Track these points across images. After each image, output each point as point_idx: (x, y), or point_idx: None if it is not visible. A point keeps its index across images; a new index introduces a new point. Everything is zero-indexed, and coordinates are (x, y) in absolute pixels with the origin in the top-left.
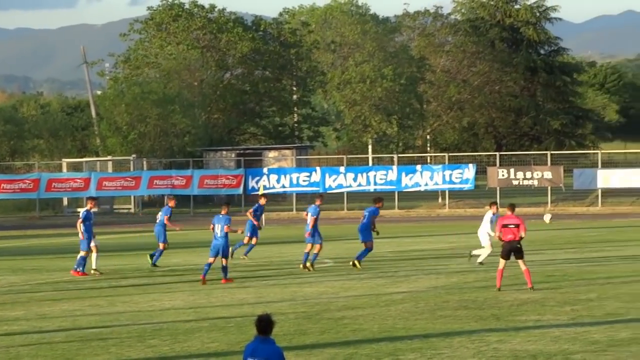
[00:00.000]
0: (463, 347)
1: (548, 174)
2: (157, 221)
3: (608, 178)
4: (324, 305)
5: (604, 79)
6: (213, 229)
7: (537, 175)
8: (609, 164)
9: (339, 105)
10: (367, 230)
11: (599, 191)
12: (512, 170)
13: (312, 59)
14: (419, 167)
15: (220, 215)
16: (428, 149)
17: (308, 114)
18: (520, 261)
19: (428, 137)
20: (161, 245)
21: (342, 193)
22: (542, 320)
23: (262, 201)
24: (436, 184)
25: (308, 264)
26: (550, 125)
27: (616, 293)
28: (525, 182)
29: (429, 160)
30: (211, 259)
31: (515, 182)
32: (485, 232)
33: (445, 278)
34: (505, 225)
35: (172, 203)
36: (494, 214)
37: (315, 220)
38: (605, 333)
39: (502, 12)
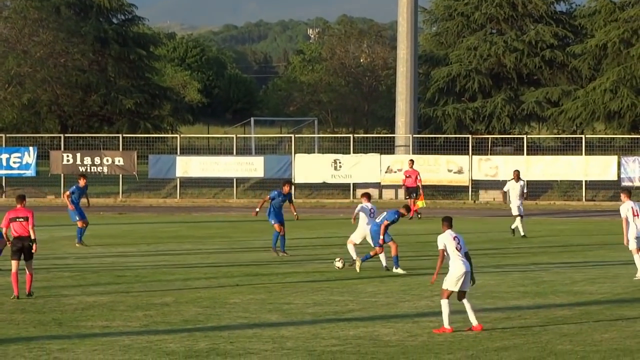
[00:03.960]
0: (20, 355)
1: (120, 160)
2: None
3: (188, 166)
4: None
5: (185, 54)
6: None
7: (108, 161)
8: (190, 150)
9: None
10: None
11: (178, 180)
12: (78, 155)
13: None
14: None
15: None
16: None
17: None
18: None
19: None
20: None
21: None
22: (110, 327)
23: None
24: None
25: None
26: (123, 105)
27: (195, 297)
28: (94, 169)
29: None
30: None
31: (82, 169)
32: None
33: (0, 277)
34: (13, 219)
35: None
36: None
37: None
38: (182, 342)
39: None
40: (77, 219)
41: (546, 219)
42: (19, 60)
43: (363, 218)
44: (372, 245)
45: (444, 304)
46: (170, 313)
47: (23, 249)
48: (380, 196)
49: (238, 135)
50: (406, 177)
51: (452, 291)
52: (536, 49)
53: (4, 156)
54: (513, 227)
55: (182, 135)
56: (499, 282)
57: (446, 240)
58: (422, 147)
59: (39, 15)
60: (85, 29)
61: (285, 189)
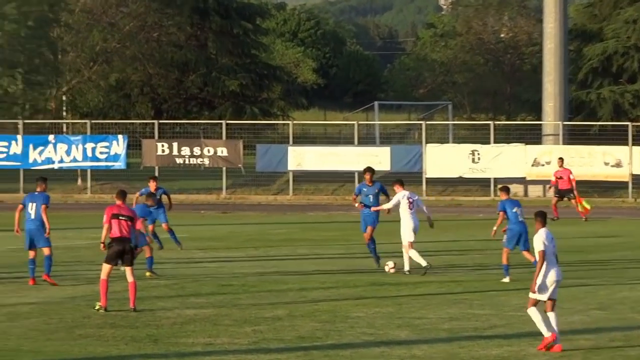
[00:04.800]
0: None
1: (223, 151)
2: None
3: (302, 157)
4: None
5: (297, 27)
6: None
7: (209, 151)
8: (304, 139)
9: None
10: None
11: (290, 174)
12: (175, 145)
13: None
14: (52, 137)
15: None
16: (64, 114)
17: None
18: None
19: (64, 98)
20: None
21: None
22: (214, 345)
23: None
24: (75, 160)
25: None
26: (226, 86)
27: (312, 310)
28: (193, 161)
29: (65, 129)
30: None
31: (179, 160)
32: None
33: (86, 286)
34: (115, 216)
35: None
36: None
37: None
38: None
39: None
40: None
41: None
42: (105, 35)
43: (404, 209)
44: None
45: (533, 313)
46: (283, 328)
47: (124, 252)
48: (526, 193)
49: (360, 122)
50: (557, 178)
51: (539, 300)
52: None
53: (89, 146)
54: None
55: (294, 122)
56: None
57: (546, 240)
58: (574, 136)
59: None
60: None
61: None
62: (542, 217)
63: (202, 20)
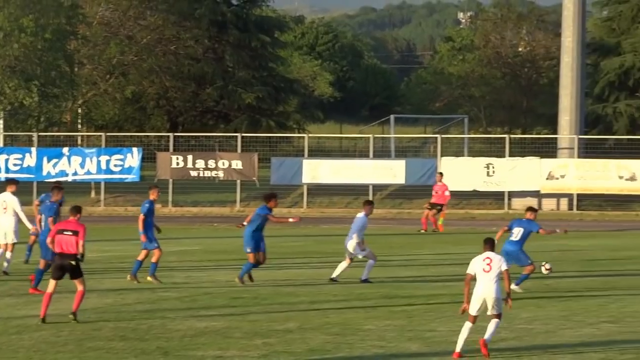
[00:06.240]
0: None
1: (238, 163)
2: None
3: (317, 170)
4: None
5: (315, 40)
6: None
7: (224, 164)
8: (319, 152)
9: None
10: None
11: (305, 187)
12: (190, 157)
13: None
14: (66, 150)
15: None
16: (79, 126)
17: None
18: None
19: (80, 110)
20: None
21: None
22: (224, 357)
23: None
24: (89, 172)
25: None
26: (242, 99)
27: (322, 323)
28: (208, 174)
29: (79, 142)
30: None
31: (194, 173)
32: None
33: (97, 298)
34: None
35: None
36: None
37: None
38: None
39: None
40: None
41: None
42: (123, 47)
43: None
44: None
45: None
46: (293, 341)
47: (64, 268)
48: (540, 206)
49: (375, 136)
50: (435, 192)
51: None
52: None
53: (104, 158)
54: None
55: (310, 135)
56: None
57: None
58: (589, 149)
59: None
60: (200, 11)
61: (272, 203)
62: (489, 244)
63: (219, 33)
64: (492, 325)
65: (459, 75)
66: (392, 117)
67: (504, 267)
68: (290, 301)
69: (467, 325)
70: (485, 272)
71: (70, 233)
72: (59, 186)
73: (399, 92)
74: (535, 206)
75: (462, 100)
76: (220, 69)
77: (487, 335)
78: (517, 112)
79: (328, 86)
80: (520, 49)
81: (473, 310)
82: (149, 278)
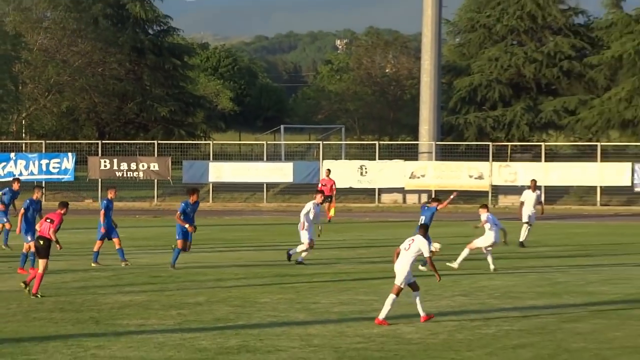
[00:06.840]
0: (58, 352)
1: (155, 166)
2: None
3: (220, 171)
4: None
5: (218, 63)
6: None
7: (143, 166)
8: (222, 156)
9: None
10: None
11: (211, 185)
12: (115, 161)
13: None
14: (13, 155)
15: None
16: (24, 135)
17: None
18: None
19: (24, 122)
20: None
21: None
22: (145, 325)
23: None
24: (32, 173)
25: None
26: (158, 113)
27: (226, 296)
28: (130, 174)
29: (24, 148)
30: None
31: (119, 174)
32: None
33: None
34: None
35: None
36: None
37: None
38: (214, 340)
39: None
40: (5, 221)
41: (562, 222)
42: (59, 70)
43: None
44: None
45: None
46: (202, 312)
47: (36, 247)
48: (405, 201)
49: (268, 142)
50: (322, 185)
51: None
52: (555, 60)
53: (44, 162)
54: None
55: (214, 142)
56: (516, 283)
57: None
58: (445, 153)
59: (78, 25)
60: (122, 39)
61: (193, 198)
62: (421, 228)
63: (139, 58)
64: (416, 300)
65: (337, 92)
66: (282, 127)
67: (425, 254)
68: (199, 279)
69: (391, 297)
70: (405, 250)
71: (49, 221)
72: (19, 179)
73: (287, 106)
74: (401, 200)
75: (340, 112)
76: (140, 87)
77: (420, 312)
78: (385, 123)
79: (229, 101)
80: (387, 70)
81: (397, 280)
82: (92, 264)
